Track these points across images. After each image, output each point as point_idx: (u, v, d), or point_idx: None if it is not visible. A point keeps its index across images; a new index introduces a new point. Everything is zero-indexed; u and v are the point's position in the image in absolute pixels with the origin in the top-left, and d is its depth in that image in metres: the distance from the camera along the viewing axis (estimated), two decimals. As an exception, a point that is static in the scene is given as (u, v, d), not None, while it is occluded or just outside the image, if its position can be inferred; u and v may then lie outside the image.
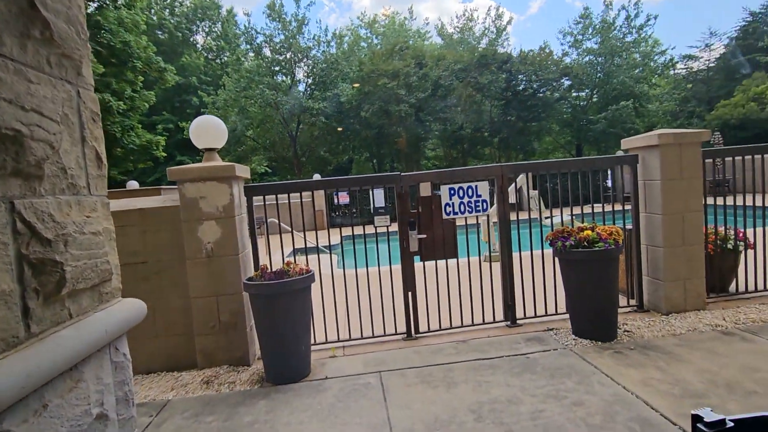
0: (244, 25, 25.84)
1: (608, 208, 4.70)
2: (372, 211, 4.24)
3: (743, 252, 4.74)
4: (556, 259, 4.09)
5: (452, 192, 4.29)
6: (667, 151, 4.28)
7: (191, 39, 36.83)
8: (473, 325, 4.46)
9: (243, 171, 4.13)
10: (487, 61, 23.12)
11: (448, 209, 4.29)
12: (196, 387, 3.60)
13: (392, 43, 24.88)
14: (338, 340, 4.31)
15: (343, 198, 17.93)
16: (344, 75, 23.74)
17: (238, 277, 3.87)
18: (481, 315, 4.48)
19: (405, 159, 25.40)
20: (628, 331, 3.99)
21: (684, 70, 31.91)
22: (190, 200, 3.82)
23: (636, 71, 26.11)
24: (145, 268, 3.92)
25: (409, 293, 4.36)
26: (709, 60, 37.81)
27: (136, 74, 14.37)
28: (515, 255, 4.45)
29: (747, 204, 5.00)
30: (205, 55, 35.69)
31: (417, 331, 4.39)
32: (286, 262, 3.85)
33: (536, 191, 7.82)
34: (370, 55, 24.97)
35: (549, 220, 7.11)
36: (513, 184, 6.05)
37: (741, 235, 4.75)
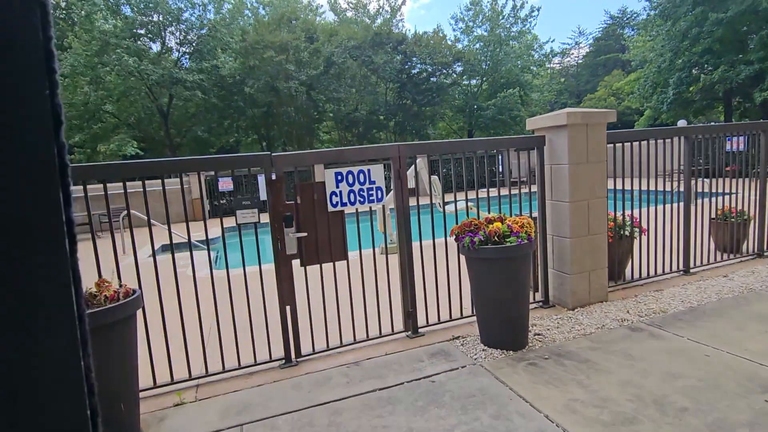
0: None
1: (503, 194, 4.23)
2: (233, 202, 3.15)
3: (638, 238, 4.64)
4: (462, 257, 3.47)
5: (339, 178, 3.40)
6: (575, 132, 3.88)
7: (32, -9, 30.25)
8: (368, 339, 3.67)
9: None
10: (382, 40, 22.51)
11: (335, 200, 3.40)
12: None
13: (279, 13, 22.89)
14: (190, 378, 3.20)
15: (226, 185, 16.04)
16: (225, 45, 21.20)
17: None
18: (378, 326, 3.71)
19: (297, 142, 23.88)
20: (538, 335, 3.53)
21: (558, 65, 35.02)
22: None
23: (522, 59, 27.74)
24: None
25: (287, 308, 3.40)
26: (578, 57, 42.23)
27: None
28: (415, 246, 3.73)
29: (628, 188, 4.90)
30: (54, 12, 29.60)
31: (298, 354, 3.46)
32: (98, 281, 2.64)
33: (435, 176, 7.33)
34: (255, 25, 22.71)
35: (447, 206, 6.65)
36: (412, 167, 5.39)
37: (636, 221, 4.64)
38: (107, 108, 21.04)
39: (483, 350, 3.34)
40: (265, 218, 3.32)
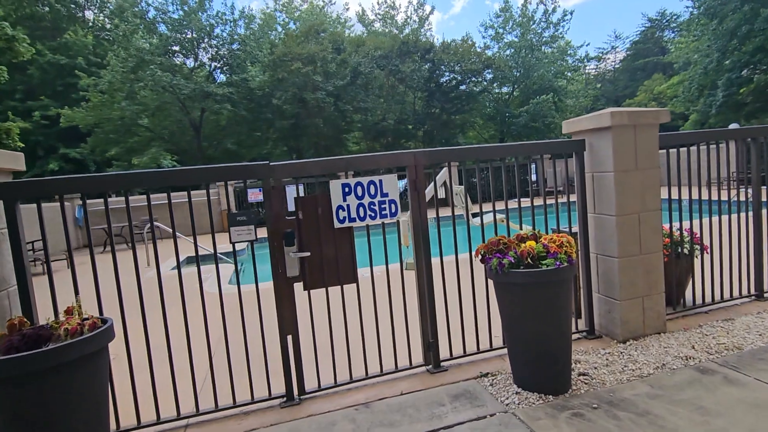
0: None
1: (536, 204, 3.68)
2: (228, 218, 2.80)
3: (699, 257, 3.98)
4: (490, 280, 2.96)
5: (347, 190, 2.98)
6: (621, 134, 3.32)
7: (79, 15, 31.91)
8: (382, 374, 3.20)
9: (-3, 159, 2.49)
10: (409, 49, 22.21)
11: (342, 215, 2.98)
12: None
13: (308, 26, 23.02)
14: (178, 417, 2.83)
15: (256, 195, 15.97)
16: (254, 58, 21.44)
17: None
18: (393, 357, 3.24)
19: (326, 152, 23.80)
20: (584, 375, 2.97)
21: (594, 70, 33.75)
22: None
23: (555, 64, 26.85)
24: None
25: (289, 337, 2.99)
26: (614, 61, 40.68)
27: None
28: (436, 262, 3.24)
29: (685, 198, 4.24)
30: (96, 33, 31.07)
31: (302, 390, 3.03)
32: (66, 308, 2.31)
33: (461, 186, 6.83)
34: (284, 39, 22.92)
35: (476, 219, 6.13)
36: (432, 183, 4.91)
37: (696, 237, 3.99)
38: (142, 122, 21.64)
39: (516, 393, 2.81)
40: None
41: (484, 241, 3.20)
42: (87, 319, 2.19)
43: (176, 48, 21.57)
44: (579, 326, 3.66)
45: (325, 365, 3.11)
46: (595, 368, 3.06)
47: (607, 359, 3.17)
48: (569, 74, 28.56)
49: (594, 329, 3.63)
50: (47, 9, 28.89)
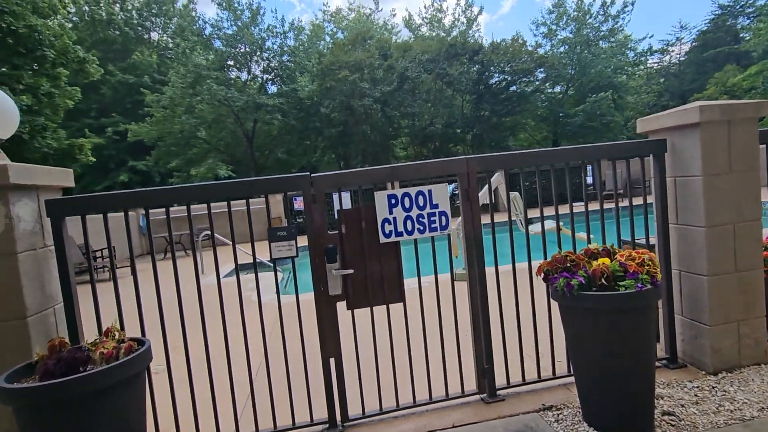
0: (191, 15, 23.71)
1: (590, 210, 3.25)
2: (268, 233, 2.66)
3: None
4: (555, 302, 2.61)
5: (393, 202, 2.75)
6: (711, 131, 2.86)
7: (145, 36, 34.29)
8: (431, 402, 2.93)
9: (45, 176, 2.50)
10: (457, 51, 21.74)
11: (387, 228, 2.76)
12: None
13: (354, 33, 23.21)
14: (218, 440, 2.71)
15: (300, 204, 16.16)
16: (303, 68, 21.92)
17: (24, 359, 2.22)
18: (443, 382, 2.96)
19: (373, 159, 23.82)
20: (669, 414, 2.54)
21: (656, 64, 31.55)
22: None
23: (614, 59, 25.29)
24: None
25: (331, 360, 2.80)
26: (679, 54, 37.83)
27: (55, 66, 12.23)
28: (490, 272, 2.93)
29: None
30: (160, 53, 33.22)
31: (345, 417, 2.83)
32: (106, 330, 2.25)
33: (517, 192, 6.40)
34: (332, 48, 23.26)
35: (533, 227, 5.71)
36: (485, 187, 4.58)
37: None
38: (200, 134, 22.73)
39: (587, 432, 2.45)
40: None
41: (545, 254, 2.87)
42: (123, 341, 2.11)
43: (231, 62, 22.48)
44: (656, 352, 3.19)
45: (369, 390, 2.89)
46: (683, 406, 2.61)
47: (696, 395, 2.71)
48: (629, 69, 26.80)
49: (676, 357, 3.16)
50: (118, 33, 31.32)
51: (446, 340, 2.96)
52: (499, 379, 2.99)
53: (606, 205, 3.21)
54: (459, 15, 28.85)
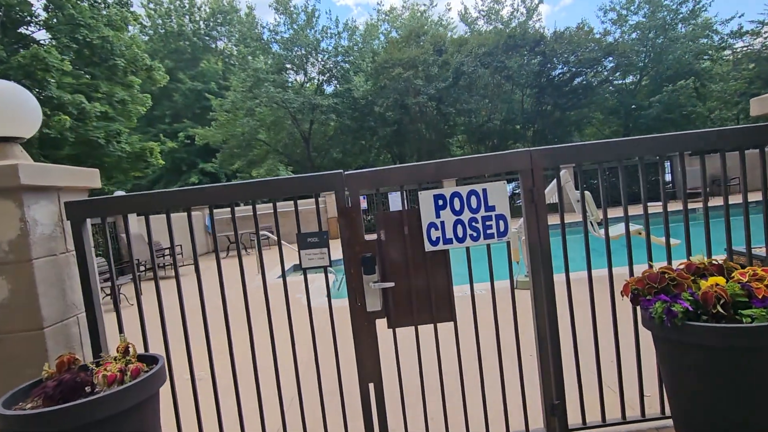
0: (249, 21, 24.54)
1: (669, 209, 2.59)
2: (297, 239, 2.35)
3: None
4: (650, 333, 2.06)
5: (441, 203, 2.34)
6: None
7: (212, 45, 36.23)
8: (487, 439, 2.48)
9: (66, 176, 2.35)
10: (516, 43, 20.62)
11: (434, 234, 2.34)
12: None
13: (408, 30, 22.79)
14: (246, 469, 2.44)
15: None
16: (357, 67, 21.89)
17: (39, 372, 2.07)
18: (503, 416, 2.49)
19: (429, 158, 23.29)
20: (811, 486, 1.90)
21: (747, 48, 28.24)
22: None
23: (694, 45, 22.83)
24: None
25: (370, 385, 2.44)
26: (773, 35, 33.57)
27: (125, 74, 13.06)
28: (558, 279, 2.42)
29: None
30: (225, 59, 34.91)
31: (386, 452, 2.45)
32: (120, 345, 2.04)
33: (588, 192, 5.69)
34: (386, 47, 23.03)
35: (603, 231, 5.04)
36: (551, 184, 4.02)
37: None
38: (260, 136, 23.47)
39: (694, 502, 1.88)
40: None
41: (632, 272, 2.32)
42: (131, 362, 1.87)
43: (288, 65, 22.97)
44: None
45: (415, 421, 2.49)
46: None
47: None
48: (713, 54, 24.09)
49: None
50: (187, 43, 33.32)
51: (506, 362, 2.50)
52: (572, 417, 2.47)
53: (696, 205, 2.56)
54: (518, 5, 27.52)
